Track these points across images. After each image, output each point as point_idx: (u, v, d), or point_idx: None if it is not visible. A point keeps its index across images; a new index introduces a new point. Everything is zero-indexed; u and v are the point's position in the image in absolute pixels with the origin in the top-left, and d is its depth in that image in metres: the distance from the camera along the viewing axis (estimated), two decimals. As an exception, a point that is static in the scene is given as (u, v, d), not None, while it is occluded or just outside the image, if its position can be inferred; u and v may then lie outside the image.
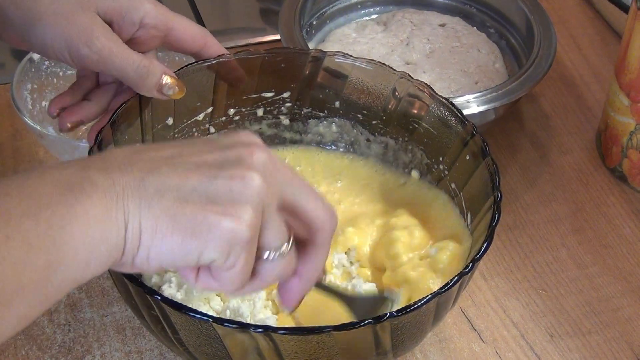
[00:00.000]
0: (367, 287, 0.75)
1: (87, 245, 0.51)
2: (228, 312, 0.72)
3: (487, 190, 0.73)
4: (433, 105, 0.80)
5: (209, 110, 0.83)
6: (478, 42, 1.01)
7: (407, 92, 0.81)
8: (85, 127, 0.86)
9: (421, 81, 0.80)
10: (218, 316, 0.71)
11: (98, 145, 0.71)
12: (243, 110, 0.85)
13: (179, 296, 0.72)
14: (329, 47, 0.99)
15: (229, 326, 0.61)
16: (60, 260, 0.50)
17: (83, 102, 0.79)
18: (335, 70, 0.83)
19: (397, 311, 0.62)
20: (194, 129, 0.83)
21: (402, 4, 1.07)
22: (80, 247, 0.51)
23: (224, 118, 0.85)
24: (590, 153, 0.98)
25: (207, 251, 0.53)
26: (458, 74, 0.97)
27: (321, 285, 0.67)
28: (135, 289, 0.64)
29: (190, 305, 0.63)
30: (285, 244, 0.57)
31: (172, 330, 0.65)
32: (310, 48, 0.91)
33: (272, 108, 0.86)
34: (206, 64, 0.80)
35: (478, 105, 0.89)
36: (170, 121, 0.81)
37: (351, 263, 0.79)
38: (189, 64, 0.80)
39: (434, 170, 0.82)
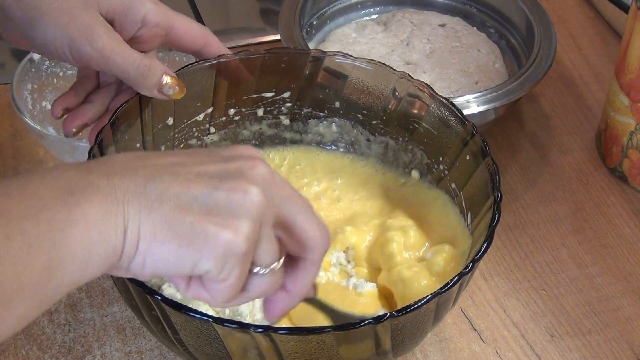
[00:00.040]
0: (369, 287, 0.75)
1: (86, 247, 0.51)
2: (227, 311, 0.72)
3: (487, 190, 0.73)
4: (433, 105, 0.80)
5: (209, 110, 0.83)
6: (478, 42, 1.01)
7: (407, 92, 0.81)
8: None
9: (421, 81, 0.80)
10: (218, 316, 0.71)
11: (98, 145, 0.71)
12: (243, 110, 0.85)
13: (178, 296, 0.72)
14: (329, 47, 0.99)
15: (229, 326, 0.61)
16: (60, 262, 0.50)
17: (85, 104, 0.79)
18: (336, 71, 0.83)
19: (397, 311, 0.62)
20: (194, 129, 0.83)
21: (402, 4, 1.07)
22: (79, 250, 0.51)
23: (224, 118, 0.85)
24: (590, 153, 0.98)
25: (203, 262, 0.53)
26: (458, 74, 0.97)
27: (312, 301, 0.66)
28: (135, 289, 0.64)
29: (190, 305, 0.63)
30: (277, 261, 0.57)
31: (172, 331, 0.65)
32: (311, 48, 0.91)
33: (272, 108, 0.86)
34: (206, 64, 0.80)
35: (478, 105, 0.89)
36: (170, 121, 0.81)
37: (348, 261, 0.79)
38: (189, 64, 0.80)
39: (434, 170, 0.82)
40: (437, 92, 0.79)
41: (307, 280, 0.59)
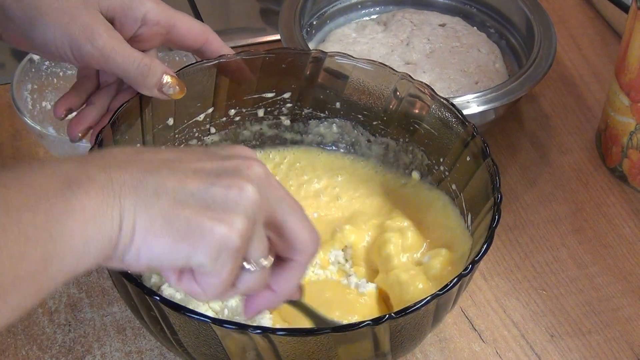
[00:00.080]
0: (370, 287, 0.75)
1: (82, 239, 0.51)
2: (226, 311, 0.72)
3: (488, 191, 0.73)
4: (434, 106, 0.79)
5: (210, 110, 0.83)
6: (478, 42, 1.01)
7: (407, 92, 0.81)
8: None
9: (422, 82, 0.80)
10: (217, 317, 0.72)
11: (98, 145, 0.71)
12: (244, 110, 0.85)
13: (177, 296, 0.72)
14: (329, 47, 0.99)
15: (227, 327, 0.61)
16: (56, 253, 0.51)
17: (87, 107, 0.79)
18: (336, 71, 0.83)
19: (396, 313, 0.62)
20: (194, 130, 0.83)
21: (402, 4, 1.07)
22: (76, 241, 0.51)
23: (224, 119, 0.85)
24: (590, 153, 0.98)
25: (197, 255, 0.53)
26: (458, 74, 0.97)
27: (297, 304, 0.67)
28: (134, 290, 0.64)
29: (189, 306, 0.63)
30: (267, 258, 0.57)
31: (171, 331, 0.65)
32: (311, 48, 0.91)
33: (272, 109, 0.86)
34: (207, 64, 0.80)
35: (478, 105, 0.89)
36: (170, 121, 0.81)
37: (346, 260, 0.79)
38: (189, 64, 0.80)
39: (434, 171, 0.82)
40: (437, 92, 0.79)
41: (292, 281, 0.60)
